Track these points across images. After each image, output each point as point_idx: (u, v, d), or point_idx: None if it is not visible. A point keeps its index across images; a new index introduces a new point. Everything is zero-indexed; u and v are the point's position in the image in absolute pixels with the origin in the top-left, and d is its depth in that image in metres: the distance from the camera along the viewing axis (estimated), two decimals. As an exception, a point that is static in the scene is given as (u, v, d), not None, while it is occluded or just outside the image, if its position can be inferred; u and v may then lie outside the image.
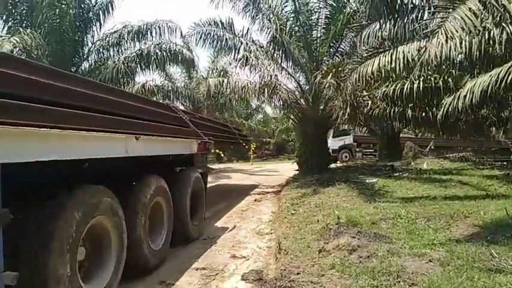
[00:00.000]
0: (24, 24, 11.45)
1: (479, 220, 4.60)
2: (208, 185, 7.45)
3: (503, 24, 5.93)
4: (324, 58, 12.19)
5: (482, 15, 5.79)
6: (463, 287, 2.54)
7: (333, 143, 23.46)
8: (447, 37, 4.35)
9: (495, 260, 3.04)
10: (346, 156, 23.99)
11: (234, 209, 8.25)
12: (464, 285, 2.58)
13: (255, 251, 5.08)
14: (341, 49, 12.28)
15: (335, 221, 5.06)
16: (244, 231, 6.27)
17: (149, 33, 12.44)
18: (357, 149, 23.83)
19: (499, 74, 5.96)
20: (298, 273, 3.59)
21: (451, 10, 4.68)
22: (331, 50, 12.23)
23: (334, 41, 12.01)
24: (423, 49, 5.06)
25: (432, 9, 6.53)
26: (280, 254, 4.49)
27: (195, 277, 4.02)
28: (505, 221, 4.39)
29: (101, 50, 13.09)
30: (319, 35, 12.21)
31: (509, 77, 5.83)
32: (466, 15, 4.31)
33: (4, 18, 11.64)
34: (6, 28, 11.77)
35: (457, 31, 4.30)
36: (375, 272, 3.11)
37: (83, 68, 13.25)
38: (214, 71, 18.16)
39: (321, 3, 11.95)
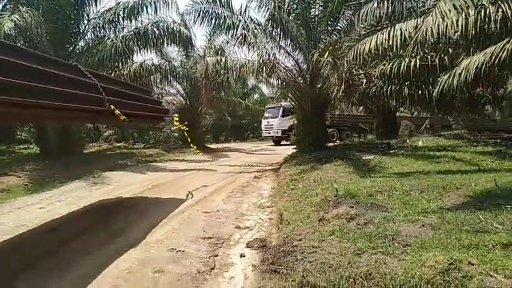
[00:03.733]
0: (20, 2, 11.36)
1: (469, 191, 4.85)
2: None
3: (499, 2, 6.05)
4: (322, 36, 12.19)
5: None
6: (451, 245, 2.80)
7: (282, 123, 22.79)
8: (442, 17, 4.49)
9: (482, 223, 3.31)
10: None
11: (234, 186, 8.49)
12: (452, 243, 2.84)
13: (257, 222, 5.34)
14: (338, 27, 12.25)
15: (334, 194, 5.31)
16: (246, 205, 6.52)
17: (144, 9, 12.36)
18: None
19: (493, 51, 6.11)
20: (300, 240, 3.84)
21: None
22: (329, 28, 12.19)
23: (332, 19, 11.96)
24: (420, 26, 5.19)
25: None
26: (282, 224, 4.75)
27: (203, 245, 4.28)
28: (494, 191, 4.64)
29: (97, 28, 13.03)
30: (317, 12, 12.17)
31: (504, 54, 5.98)
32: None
33: (-1, -4, 11.53)
34: (1, 6, 11.71)
35: (450, 11, 4.43)
36: (372, 236, 3.36)
37: (79, 46, 13.23)
38: (211, 50, 18.06)
39: (319, -20, 11.86)
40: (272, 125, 23.33)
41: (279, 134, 23.03)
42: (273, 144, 23.71)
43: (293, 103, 14.26)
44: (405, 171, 7.30)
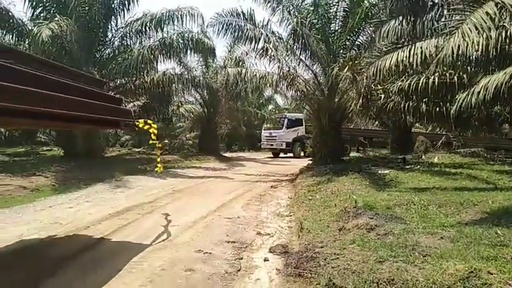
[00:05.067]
0: (52, 11, 11.96)
1: (487, 208, 4.97)
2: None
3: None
4: (341, 51, 12.43)
5: (500, 14, 6.05)
6: (470, 256, 2.96)
7: (286, 135, 21.39)
8: (464, 38, 4.68)
9: (500, 238, 3.45)
10: (301, 151, 21.19)
11: (252, 194, 8.70)
12: (471, 255, 3.00)
13: (277, 229, 5.54)
14: (358, 42, 12.49)
15: (352, 205, 5.47)
16: (265, 213, 6.73)
17: (171, 21, 12.85)
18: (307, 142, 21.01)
19: (513, 72, 6.23)
20: (322, 247, 4.02)
21: (468, 13, 5.00)
22: (348, 43, 12.43)
23: (351, 34, 12.21)
24: (442, 47, 5.37)
25: (451, 7, 6.78)
26: (302, 232, 4.94)
27: (228, 248, 4.50)
28: (511, 209, 4.76)
29: (124, 37, 13.57)
30: (337, 28, 12.44)
31: (523, 76, 6.10)
32: (482, 18, 4.62)
33: (33, 4, 12.13)
34: (34, 14, 12.30)
35: (472, 33, 4.63)
36: (392, 245, 3.53)
37: (106, 53, 13.77)
38: (231, 61, 18.49)
39: (340, -4, 12.16)
40: (275, 136, 21.83)
41: (283, 147, 21.72)
42: (291, 156, 22.33)
43: (310, 115, 14.47)
44: (422, 187, 7.40)
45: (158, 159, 6.19)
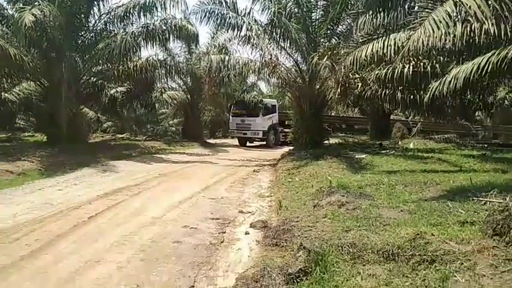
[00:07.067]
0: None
1: (447, 187, 5.51)
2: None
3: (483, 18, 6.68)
4: (322, 40, 12.78)
5: (465, 11, 6.51)
6: (421, 223, 3.46)
7: (263, 123, 19.34)
8: (428, 32, 5.14)
9: (449, 210, 3.96)
10: (273, 139, 19.78)
11: (235, 178, 9.09)
12: (422, 222, 3.50)
13: (258, 208, 5.98)
14: (337, 31, 12.86)
15: (328, 185, 5.94)
16: (247, 194, 7.16)
17: (155, 7, 12.88)
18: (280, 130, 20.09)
19: (480, 63, 6.74)
20: (297, 221, 4.46)
21: (431, 10, 5.46)
22: (328, 32, 12.75)
23: (332, 24, 12.52)
24: (408, 41, 5.82)
25: (418, 4, 7.22)
26: (281, 210, 5.39)
27: (212, 224, 4.91)
28: (467, 187, 5.31)
29: (107, 23, 13.53)
30: (317, 17, 12.75)
31: (489, 67, 6.62)
32: (442, 17, 5.09)
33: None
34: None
35: (433, 28, 5.10)
36: (358, 218, 4.00)
37: (89, 39, 13.70)
38: (214, 47, 18.58)
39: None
40: (249, 124, 19.44)
41: (260, 136, 19.54)
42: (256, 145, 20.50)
43: (291, 102, 14.82)
44: (394, 170, 7.94)
45: None
